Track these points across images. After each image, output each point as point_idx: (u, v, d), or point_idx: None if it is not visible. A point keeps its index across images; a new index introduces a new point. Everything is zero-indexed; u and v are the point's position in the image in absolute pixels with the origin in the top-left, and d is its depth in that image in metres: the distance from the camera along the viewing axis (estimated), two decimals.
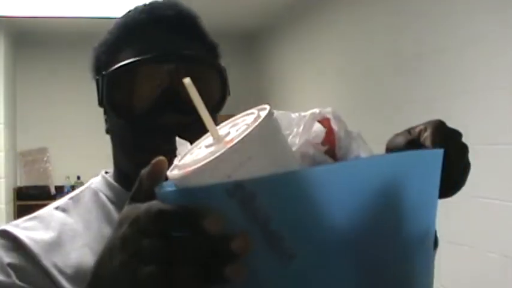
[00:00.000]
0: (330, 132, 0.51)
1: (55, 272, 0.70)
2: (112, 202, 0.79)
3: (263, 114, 0.42)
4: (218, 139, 0.43)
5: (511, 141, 2.25)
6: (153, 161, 0.44)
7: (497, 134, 2.33)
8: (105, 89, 0.76)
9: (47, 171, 5.49)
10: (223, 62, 0.83)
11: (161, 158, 0.44)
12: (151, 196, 0.42)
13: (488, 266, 2.36)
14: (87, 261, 0.70)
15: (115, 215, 0.76)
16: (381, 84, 3.30)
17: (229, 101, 0.81)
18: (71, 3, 3.67)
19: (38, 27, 5.09)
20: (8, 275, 0.68)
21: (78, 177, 5.39)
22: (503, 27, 2.28)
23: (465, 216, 2.48)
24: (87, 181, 0.87)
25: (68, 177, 5.38)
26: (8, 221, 4.74)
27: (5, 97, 4.83)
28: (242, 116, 0.46)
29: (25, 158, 5.46)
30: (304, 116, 0.52)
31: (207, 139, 0.45)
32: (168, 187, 0.43)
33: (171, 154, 0.46)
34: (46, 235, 0.73)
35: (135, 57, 0.74)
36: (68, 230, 0.75)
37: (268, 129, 0.41)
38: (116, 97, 0.75)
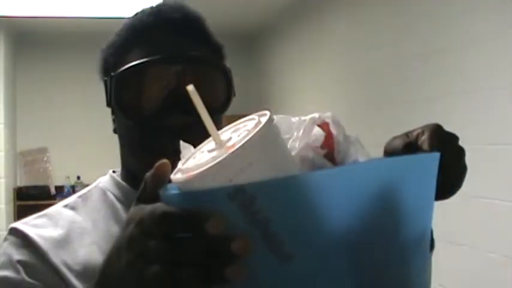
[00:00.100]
0: (329, 136, 0.53)
1: (64, 269, 0.71)
2: (120, 201, 0.81)
3: (263, 120, 0.43)
4: (220, 144, 0.44)
5: (510, 141, 2.25)
6: (156, 164, 0.46)
7: (497, 134, 2.33)
8: (113, 89, 0.77)
9: (47, 171, 5.50)
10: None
11: (164, 161, 0.45)
12: (156, 198, 0.44)
13: (488, 266, 2.36)
14: (95, 258, 0.72)
15: (123, 213, 0.78)
16: (381, 84, 3.31)
17: None
18: (71, 3, 3.67)
19: (38, 27, 5.09)
20: (17, 272, 0.70)
21: (78, 177, 5.39)
22: (504, 27, 2.28)
23: (465, 216, 2.48)
24: (87, 181, 0.88)
25: (68, 177, 5.38)
26: (8, 221, 4.76)
27: (5, 97, 4.83)
28: (243, 122, 0.47)
29: (25, 158, 5.46)
30: (304, 120, 0.54)
31: (209, 144, 0.46)
32: (172, 190, 0.44)
33: (177, 154, 0.48)
34: (55, 232, 0.75)
35: (143, 58, 0.75)
36: (76, 228, 0.77)
37: (268, 135, 0.42)
38: (124, 98, 0.77)
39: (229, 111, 0.81)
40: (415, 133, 0.59)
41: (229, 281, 0.39)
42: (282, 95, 5.18)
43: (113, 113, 0.83)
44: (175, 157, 0.48)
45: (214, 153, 0.43)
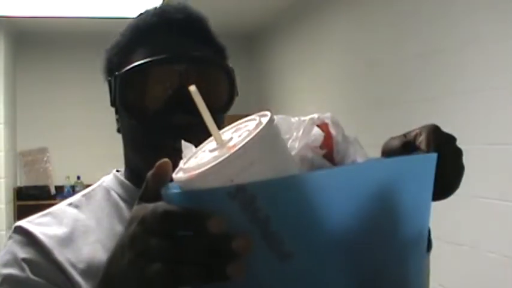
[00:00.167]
0: (328, 136, 0.53)
1: (68, 267, 0.72)
2: (123, 200, 0.81)
3: (264, 120, 0.44)
4: (221, 144, 0.44)
5: (510, 141, 2.25)
6: (157, 164, 0.46)
7: (497, 134, 2.33)
8: (117, 89, 0.78)
9: (47, 171, 5.50)
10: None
11: (165, 160, 0.46)
12: (158, 197, 0.45)
13: (488, 266, 2.36)
14: (99, 256, 0.73)
15: (126, 212, 0.79)
16: (381, 84, 3.31)
17: None
18: (71, 3, 3.67)
19: (38, 27, 5.09)
20: (22, 270, 0.71)
21: (78, 177, 5.39)
22: (503, 27, 2.28)
23: (465, 216, 2.49)
24: (87, 181, 0.89)
25: (68, 177, 5.38)
26: (8, 221, 4.77)
27: (5, 97, 4.84)
28: (244, 122, 0.48)
29: (25, 158, 5.47)
30: (304, 121, 0.54)
31: (210, 143, 0.47)
32: (173, 189, 0.44)
33: (179, 154, 0.49)
34: (59, 230, 0.76)
35: (146, 58, 0.76)
36: (80, 226, 0.78)
37: (269, 136, 0.43)
38: (128, 97, 0.78)
39: (229, 112, 0.82)
40: (412, 134, 0.60)
41: (230, 278, 0.39)
42: (282, 95, 5.18)
43: (116, 112, 0.84)
44: (177, 156, 0.48)
45: (215, 153, 0.44)
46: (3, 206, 4.71)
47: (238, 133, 0.45)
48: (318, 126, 0.53)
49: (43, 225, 0.77)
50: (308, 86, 4.55)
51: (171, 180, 0.45)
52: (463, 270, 2.53)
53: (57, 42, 5.49)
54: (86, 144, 5.46)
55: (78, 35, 5.33)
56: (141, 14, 0.84)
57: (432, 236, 0.65)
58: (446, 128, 0.62)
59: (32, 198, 5.05)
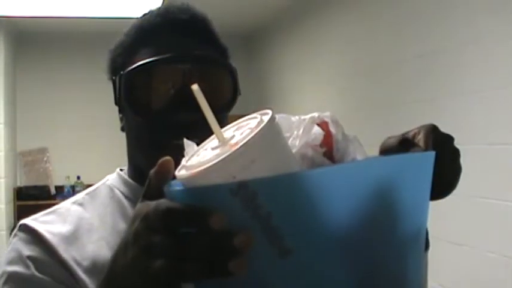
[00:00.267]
0: (328, 135, 0.54)
1: (73, 264, 0.73)
2: (127, 198, 0.82)
3: (266, 118, 0.44)
4: (223, 142, 0.45)
5: (510, 141, 2.25)
6: (160, 161, 0.47)
7: (497, 134, 2.33)
8: (122, 88, 0.79)
9: (47, 171, 5.50)
10: None
11: (167, 158, 0.47)
12: (161, 194, 0.45)
13: (488, 266, 2.36)
14: (103, 254, 0.74)
15: (130, 210, 0.80)
16: (381, 84, 3.31)
17: None
18: (71, 3, 3.67)
19: (38, 27, 5.10)
20: (27, 267, 0.72)
21: (78, 177, 5.39)
22: (503, 27, 2.28)
23: (465, 216, 2.49)
24: (87, 181, 0.90)
25: (68, 177, 5.39)
26: (8, 221, 4.77)
27: (5, 97, 4.84)
28: (246, 120, 0.48)
29: (25, 158, 5.47)
30: (304, 120, 0.55)
31: (212, 141, 0.48)
32: (176, 186, 0.45)
33: (182, 151, 0.49)
34: (64, 228, 0.77)
35: (151, 57, 0.77)
36: (84, 224, 0.79)
37: (270, 134, 0.44)
38: (133, 96, 0.79)
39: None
40: (411, 133, 0.61)
41: (232, 274, 0.40)
42: (282, 95, 5.18)
43: (120, 111, 0.85)
44: (179, 154, 0.49)
45: (217, 151, 0.44)
46: (3, 206, 4.71)
47: (240, 131, 0.46)
48: (318, 125, 0.54)
49: (48, 223, 0.77)
50: (307, 86, 4.56)
51: (174, 177, 0.46)
52: (463, 270, 2.53)
53: (57, 42, 5.49)
54: (86, 144, 5.46)
55: (78, 35, 5.34)
56: (145, 14, 0.85)
57: (432, 236, 0.66)
58: (446, 128, 0.62)
59: (32, 198, 5.05)
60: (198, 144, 0.50)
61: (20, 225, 0.77)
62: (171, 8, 0.83)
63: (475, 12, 2.43)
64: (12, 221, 4.96)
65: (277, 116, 0.50)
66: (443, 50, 2.65)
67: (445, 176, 0.59)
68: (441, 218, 2.14)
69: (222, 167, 0.41)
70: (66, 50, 5.54)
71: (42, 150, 5.51)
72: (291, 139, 0.53)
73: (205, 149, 0.47)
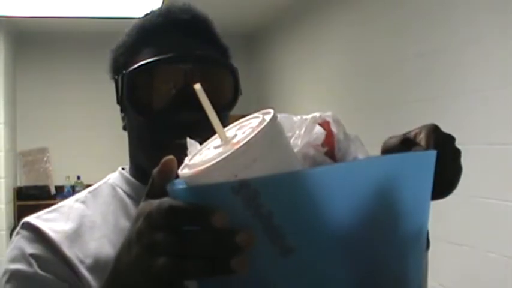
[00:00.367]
0: (329, 134, 0.54)
1: (76, 262, 0.74)
2: (129, 196, 0.83)
3: (267, 118, 0.45)
4: (225, 141, 0.45)
5: (510, 141, 2.26)
6: (163, 160, 0.47)
7: (497, 134, 2.33)
8: (125, 87, 0.79)
9: (47, 171, 5.50)
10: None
11: (170, 157, 0.47)
12: (164, 193, 0.46)
13: (488, 266, 2.36)
14: (105, 251, 0.75)
15: (132, 208, 0.80)
16: (382, 84, 3.31)
17: None
18: (71, 3, 3.67)
19: (38, 27, 5.10)
20: (30, 265, 0.72)
21: (78, 177, 5.40)
22: (504, 27, 2.28)
23: (465, 216, 2.49)
24: (87, 181, 0.90)
25: (68, 177, 5.39)
26: (8, 221, 4.77)
27: (5, 97, 4.84)
28: (248, 119, 0.49)
29: (25, 158, 5.47)
30: (306, 119, 0.55)
31: (215, 140, 0.48)
32: (179, 185, 0.45)
33: (184, 151, 0.50)
34: (66, 226, 0.77)
35: (154, 57, 0.78)
36: (86, 222, 0.79)
37: (272, 133, 0.44)
38: (136, 95, 0.79)
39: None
40: (412, 133, 0.61)
41: (233, 272, 0.40)
42: (282, 94, 5.18)
43: (122, 110, 0.85)
44: (182, 153, 0.49)
45: (220, 150, 0.44)
46: (3, 206, 4.71)
47: (242, 130, 0.46)
48: (319, 124, 0.54)
49: (50, 220, 0.78)
50: (308, 86, 4.56)
51: (177, 176, 0.46)
52: (463, 270, 2.53)
53: (57, 42, 5.49)
54: (86, 144, 5.46)
55: (78, 35, 5.34)
56: (146, 15, 0.86)
57: (432, 236, 0.66)
58: (446, 128, 0.63)
59: (32, 198, 5.05)
60: (200, 144, 0.50)
61: (23, 223, 0.77)
62: (172, 8, 0.84)
63: (476, 11, 2.43)
64: (12, 221, 4.96)
65: (279, 116, 0.50)
66: (444, 50, 2.65)
67: (446, 176, 0.59)
68: (441, 218, 2.14)
69: (224, 166, 0.41)
70: (66, 50, 5.54)
71: (42, 150, 5.51)
72: (292, 139, 0.54)
73: (208, 148, 0.47)
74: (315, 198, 0.42)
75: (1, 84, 4.76)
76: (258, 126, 0.44)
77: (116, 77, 0.83)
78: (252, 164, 0.41)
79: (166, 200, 0.43)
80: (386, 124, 3.12)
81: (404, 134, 0.61)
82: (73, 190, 5.10)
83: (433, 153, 0.48)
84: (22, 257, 0.73)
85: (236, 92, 0.82)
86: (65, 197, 0.75)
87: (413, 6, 2.94)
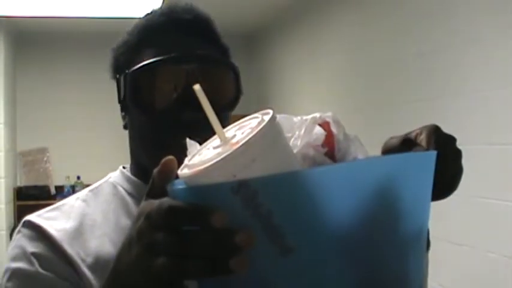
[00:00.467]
0: (329, 135, 0.54)
1: (77, 260, 0.74)
2: (130, 195, 0.83)
3: (266, 118, 0.45)
4: (225, 141, 0.45)
5: (510, 141, 2.26)
6: (163, 161, 0.48)
7: (497, 134, 2.33)
8: (128, 87, 0.79)
9: (47, 171, 5.50)
10: None
11: (170, 157, 0.47)
12: (164, 193, 0.46)
13: (488, 266, 2.36)
14: (106, 250, 0.75)
15: (133, 207, 0.81)
16: (382, 84, 3.31)
17: None
18: (71, 3, 3.67)
19: (38, 27, 5.10)
20: (31, 264, 0.72)
21: (78, 177, 5.40)
22: (504, 27, 2.28)
23: (465, 216, 2.49)
24: (87, 181, 0.90)
25: (68, 177, 5.39)
26: (8, 221, 4.77)
27: (5, 97, 4.84)
28: (247, 120, 0.49)
29: (25, 158, 5.47)
30: (306, 120, 0.55)
31: (214, 141, 0.48)
32: (178, 185, 0.46)
33: (185, 151, 0.50)
34: (67, 224, 0.78)
35: (157, 57, 0.78)
36: (87, 220, 0.79)
37: (271, 133, 0.44)
38: (139, 95, 0.79)
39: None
40: (413, 133, 0.61)
41: (233, 272, 0.40)
42: (282, 94, 5.18)
43: (122, 109, 0.85)
44: (183, 154, 0.49)
45: (219, 150, 0.45)
46: (3, 206, 4.71)
47: (241, 130, 0.46)
48: (319, 125, 0.54)
49: (52, 219, 0.78)
50: (308, 86, 4.56)
51: (177, 176, 0.46)
52: (463, 270, 2.53)
53: (57, 42, 5.49)
54: (86, 144, 5.46)
55: (78, 35, 5.33)
56: (148, 14, 0.86)
57: (432, 236, 0.66)
58: (446, 128, 0.63)
59: (32, 198, 5.05)
60: (200, 144, 0.50)
61: (24, 222, 0.77)
62: (175, 7, 0.84)
63: (477, 11, 2.43)
64: (12, 221, 4.96)
65: (278, 116, 0.51)
66: (445, 50, 2.65)
67: (447, 177, 0.59)
68: (441, 218, 2.14)
69: (223, 166, 0.41)
70: (66, 50, 5.54)
71: (42, 150, 5.50)
72: (292, 139, 0.54)
73: (208, 148, 0.48)
74: (314, 198, 0.42)
75: (1, 84, 4.76)
76: (257, 126, 0.44)
77: (117, 76, 0.83)
78: (251, 164, 0.41)
79: (166, 200, 0.44)
80: (386, 124, 3.12)
81: (405, 135, 0.61)
82: (73, 190, 5.10)
83: (433, 154, 0.48)
84: (23, 255, 0.73)
85: (238, 91, 0.82)
86: (64, 197, 0.76)
87: (414, 6, 2.94)
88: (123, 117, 0.86)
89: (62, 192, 5.26)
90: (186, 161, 0.48)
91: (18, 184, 5.36)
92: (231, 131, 0.48)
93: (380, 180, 0.44)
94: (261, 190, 0.41)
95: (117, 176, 0.87)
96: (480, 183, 2.32)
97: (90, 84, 5.29)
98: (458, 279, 2.55)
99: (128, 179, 0.85)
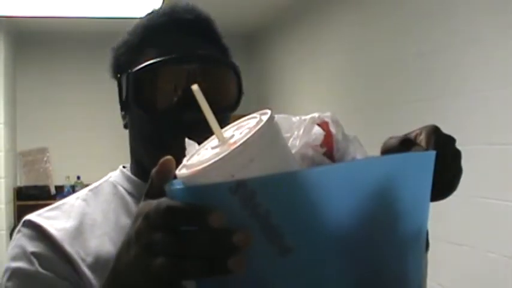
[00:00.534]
0: (328, 135, 0.54)
1: (77, 259, 0.74)
2: (130, 194, 0.83)
3: (265, 118, 0.45)
4: (223, 141, 0.45)
5: (510, 141, 2.25)
6: (161, 161, 0.48)
7: (496, 134, 2.33)
8: (130, 86, 0.79)
9: (47, 171, 5.50)
10: None
11: (168, 157, 0.48)
12: (163, 193, 0.46)
13: (488, 266, 2.36)
14: (106, 249, 0.75)
15: (133, 206, 0.81)
16: (382, 84, 3.31)
17: None
18: (71, 3, 3.67)
19: (38, 27, 5.10)
20: (31, 263, 0.72)
21: (78, 177, 5.40)
22: (504, 27, 2.28)
23: (465, 216, 2.49)
24: (87, 181, 0.90)
25: (68, 177, 5.39)
26: (8, 221, 4.77)
27: (5, 97, 4.84)
28: (246, 120, 0.49)
29: (25, 158, 5.47)
30: (305, 120, 0.55)
31: (213, 141, 0.48)
32: (176, 185, 0.45)
33: (183, 151, 0.50)
34: (68, 224, 0.78)
35: (160, 57, 0.78)
36: (88, 219, 0.79)
37: (269, 133, 0.44)
38: (142, 95, 0.79)
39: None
40: (413, 134, 0.61)
41: (231, 272, 0.40)
42: (282, 94, 5.18)
43: (122, 109, 0.85)
44: (182, 154, 0.49)
45: (217, 150, 0.45)
46: (3, 206, 4.71)
47: (239, 131, 0.46)
48: (318, 125, 0.54)
49: (52, 218, 0.78)
50: (308, 86, 4.56)
51: (176, 176, 0.46)
52: (463, 270, 2.53)
53: (57, 42, 5.49)
54: (86, 144, 5.46)
55: (78, 35, 5.33)
56: (149, 14, 0.86)
57: (432, 236, 0.66)
58: (446, 128, 0.63)
59: (32, 198, 5.05)
60: (199, 144, 0.50)
61: (24, 221, 0.77)
62: (176, 7, 0.84)
63: (477, 11, 2.43)
64: (12, 221, 4.96)
65: (277, 116, 0.50)
66: (445, 50, 2.65)
67: (446, 177, 0.59)
68: (441, 218, 2.14)
69: (221, 166, 0.41)
70: (66, 50, 5.54)
71: (42, 150, 5.50)
72: (291, 139, 0.54)
73: (206, 149, 0.48)
74: (312, 198, 0.42)
75: (1, 84, 4.76)
76: (255, 126, 0.44)
77: (118, 75, 0.83)
78: (249, 164, 0.41)
79: (164, 200, 0.44)
80: (386, 124, 3.12)
81: (405, 135, 0.61)
82: (73, 190, 5.09)
83: (432, 154, 0.48)
84: (23, 255, 0.73)
85: (240, 92, 0.83)
86: (64, 197, 0.76)
87: (414, 6, 2.94)
88: (123, 117, 0.86)
89: (62, 192, 5.26)
90: (185, 161, 0.48)
91: (18, 184, 5.36)
92: (229, 131, 0.48)
93: (379, 180, 0.44)
94: (259, 190, 0.40)
95: (117, 175, 0.87)
96: (480, 183, 2.32)
97: (90, 84, 5.29)
98: (458, 279, 2.55)
99: (128, 179, 0.85)
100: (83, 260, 0.74)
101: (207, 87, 0.72)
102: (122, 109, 0.85)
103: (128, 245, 0.47)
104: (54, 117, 5.48)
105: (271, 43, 5.47)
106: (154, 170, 0.48)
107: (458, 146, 0.62)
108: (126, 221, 0.78)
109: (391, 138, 0.61)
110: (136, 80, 0.78)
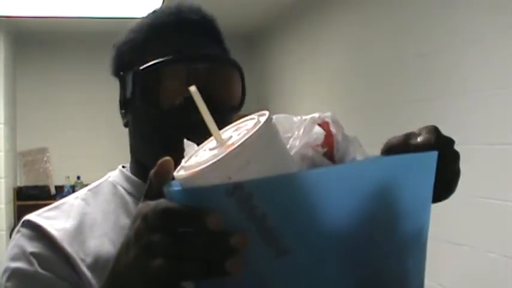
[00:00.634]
0: (328, 135, 0.54)
1: (77, 259, 0.74)
2: (130, 194, 0.83)
3: (262, 119, 0.44)
4: (221, 143, 0.45)
5: (510, 141, 2.25)
6: (159, 162, 0.48)
7: (497, 134, 2.33)
8: (137, 85, 0.78)
9: (47, 171, 5.50)
10: None
11: (167, 158, 0.48)
12: (161, 194, 0.46)
13: (488, 266, 2.36)
14: (105, 249, 0.75)
15: (133, 206, 0.80)
16: (382, 84, 3.31)
17: None
18: (71, 3, 3.67)
19: (38, 27, 5.09)
20: (31, 264, 0.72)
21: (78, 177, 5.39)
22: (504, 27, 2.28)
23: (465, 216, 2.49)
24: (87, 181, 0.90)
25: (68, 177, 5.39)
26: (8, 221, 4.77)
27: (5, 97, 4.84)
28: (244, 121, 0.48)
29: (25, 158, 5.47)
30: (305, 120, 0.55)
31: (211, 142, 0.48)
32: (174, 187, 0.46)
33: (182, 152, 0.50)
34: (67, 224, 0.77)
35: (167, 56, 0.77)
36: (87, 219, 0.79)
37: (266, 134, 0.44)
38: (150, 93, 0.78)
39: None
40: (412, 134, 0.61)
41: (228, 274, 0.40)
42: (283, 94, 5.18)
43: (123, 107, 0.84)
44: (180, 155, 0.49)
45: (215, 151, 0.44)
46: (3, 206, 4.71)
47: (238, 132, 0.46)
48: (319, 125, 0.54)
49: (51, 218, 0.78)
50: (308, 86, 4.55)
51: (174, 178, 0.46)
52: (463, 270, 2.53)
53: (57, 42, 5.49)
54: (86, 144, 5.46)
55: (78, 35, 5.33)
56: (154, 12, 0.86)
57: (432, 236, 0.65)
58: (446, 128, 0.62)
59: (32, 198, 5.05)
60: (198, 145, 0.50)
61: (24, 221, 0.77)
62: (182, 7, 0.84)
63: (477, 11, 2.43)
64: (12, 221, 4.96)
65: (277, 117, 0.50)
66: (445, 50, 2.65)
67: (445, 179, 0.59)
68: (441, 218, 2.14)
69: (218, 168, 0.41)
70: (66, 50, 5.54)
71: (42, 150, 5.50)
72: (291, 139, 0.53)
73: (204, 150, 0.47)
74: (310, 200, 0.42)
75: (1, 84, 4.76)
76: (252, 128, 0.44)
77: (121, 73, 0.82)
78: (246, 166, 0.41)
79: (162, 202, 0.44)
80: (386, 124, 3.12)
81: (405, 135, 0.61)
82: (73, 190, 5.09)
83: (434, 154, 0.48)
84: (23, 255, 0.73)
85: (244, 92, 0.83)
86: (64, 197, 0.76)
87: (414, 6, 2.94)
88: (123, 115, 0.85)
89: (62, 192, 5.26)
90: (183, 162, 0.48)
91: (18, 184, 5.36)
92: (227, 132, 0.48)
93: (379, 182, 0.44)
94: (256, 193, 0.40)
95: (116, 175, 0.87)
96: (480, 183, 2.32)
97: (90, 84, 5.29)
98: (458, 279, 2.55)
99: (127, 179, 0.85)
100: (83, 260, 0.74)
101: (218, 87, 0.72)
102: (122, 107, 0.85)
103: (127, 246, 0.47)
104: (54, 117, 5.48)
105: (271, 43, 5.47)
106: (152, 171, 0.48)
107: (458, 146, 0.62)
108: (125, 221, 0.78)
109: (391, 138, 0.61)
110: (145, 78, 0.78)
